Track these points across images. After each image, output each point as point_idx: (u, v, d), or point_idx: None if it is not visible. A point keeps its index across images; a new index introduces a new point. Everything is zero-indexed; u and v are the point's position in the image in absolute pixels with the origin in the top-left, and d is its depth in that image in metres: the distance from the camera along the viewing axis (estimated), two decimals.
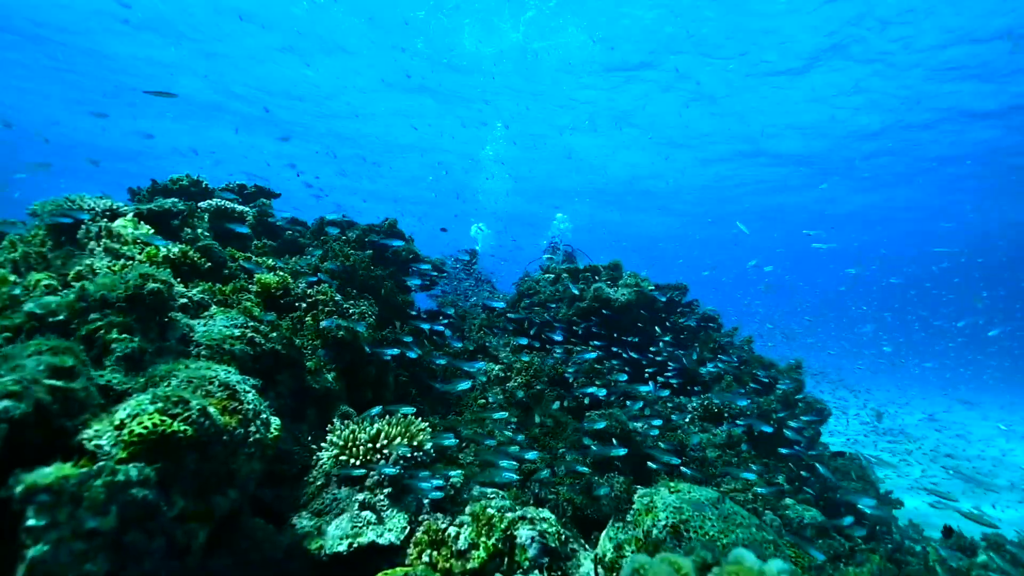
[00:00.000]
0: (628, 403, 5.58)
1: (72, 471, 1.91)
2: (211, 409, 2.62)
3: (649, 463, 4.53)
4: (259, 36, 17.06)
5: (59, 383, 2.33)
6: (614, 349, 6.79)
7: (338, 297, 5.22)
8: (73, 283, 3.57)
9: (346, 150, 26.80)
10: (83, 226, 4.56)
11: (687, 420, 6.08)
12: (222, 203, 5.91)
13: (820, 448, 6.98)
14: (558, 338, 6.58)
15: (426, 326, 6.55)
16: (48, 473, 1.91)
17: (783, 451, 5.60)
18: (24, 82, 21.20)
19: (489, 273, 10.27)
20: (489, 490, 3.86)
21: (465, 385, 4.86)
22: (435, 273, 8.00)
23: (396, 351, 5.04)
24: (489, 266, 11.30)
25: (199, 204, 5.99)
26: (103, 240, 4.34)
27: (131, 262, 4.13)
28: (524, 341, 6.93)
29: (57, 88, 21.55)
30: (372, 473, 3.35)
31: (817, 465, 5.60)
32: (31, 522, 1.83)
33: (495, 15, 15.42)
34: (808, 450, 6.14)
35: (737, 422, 5.77)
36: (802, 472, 5.66)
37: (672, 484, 3.21)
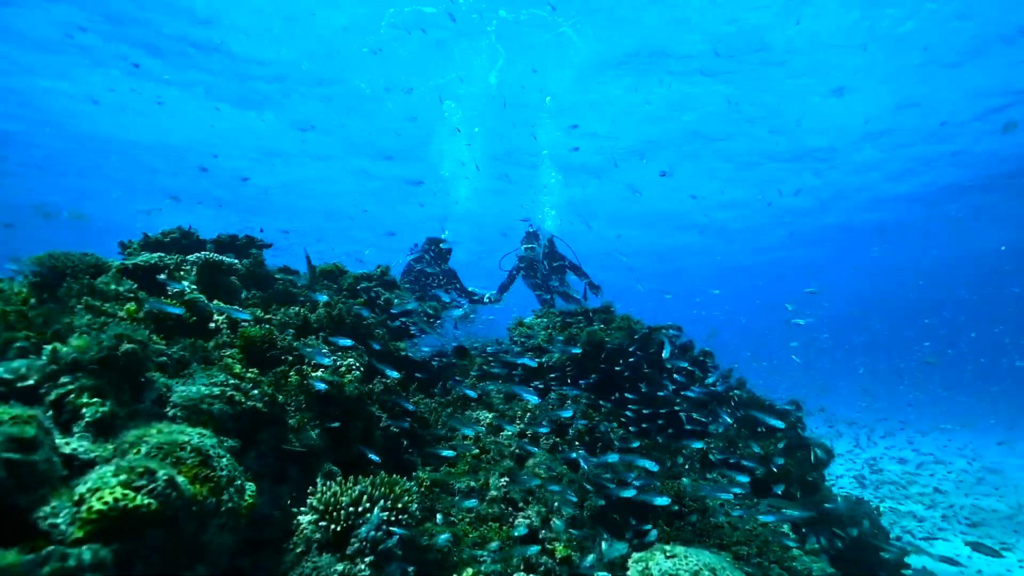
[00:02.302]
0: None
1: (15, 559, 1.78)
2: (179, 479, 2.49)
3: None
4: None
5: (16, 456, 2.21)
6: (604, 403, 6.65)
7: (324, 349, 5.12)
8: (49, 344, 3.49)
9: None
10: (65, 283, 4.51)
11: (686, 467, 5.88)
12: (210, 256, 5.88)
13: (826, 491, 6.74)
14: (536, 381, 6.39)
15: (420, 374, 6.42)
16: None
17: (787, 513, 5.37)
18: None
19: (478, 317, 9.71)
20: (479, 552, 3.67)
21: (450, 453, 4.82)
22: (426, 323, 7.91)
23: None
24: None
25: (187, 257, 5.97)
26: (84, 298, 4.27)
27: (111, 320, 4.05)
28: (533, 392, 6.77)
29: None
30: (352, 540, 3.18)
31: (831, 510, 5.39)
32: None
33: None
34: (815, 494, 5.92)
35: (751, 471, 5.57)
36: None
37: (668, 548, 3.04)
